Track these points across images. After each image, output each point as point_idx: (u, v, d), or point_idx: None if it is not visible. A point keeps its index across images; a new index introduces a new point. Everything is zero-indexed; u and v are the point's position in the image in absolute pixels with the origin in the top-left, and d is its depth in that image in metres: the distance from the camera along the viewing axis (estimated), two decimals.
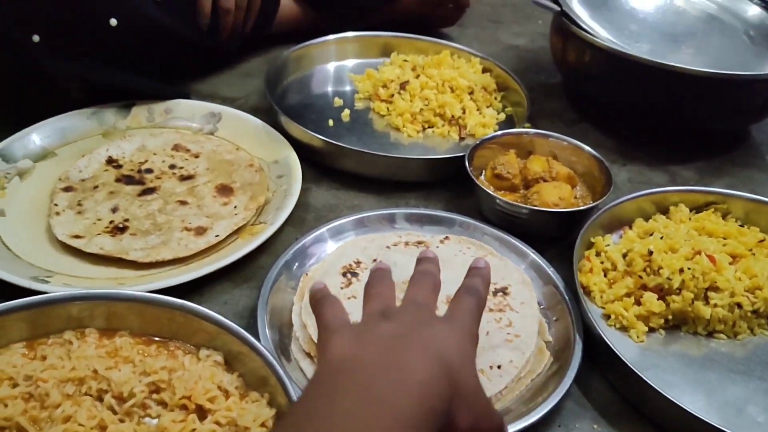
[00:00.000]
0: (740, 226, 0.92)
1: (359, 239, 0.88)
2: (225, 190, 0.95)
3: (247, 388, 0.69)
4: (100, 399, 0.66)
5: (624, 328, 0.80)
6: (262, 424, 0.65)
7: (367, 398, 0.44)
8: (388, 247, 0.85)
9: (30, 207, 0.92)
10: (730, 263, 0.82)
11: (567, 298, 0.80)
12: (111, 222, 0.89)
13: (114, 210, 0.90)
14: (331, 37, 1.25)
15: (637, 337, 0.79)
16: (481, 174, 0.99)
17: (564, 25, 1.12)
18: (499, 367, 0.71)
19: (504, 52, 1.38)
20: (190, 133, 1.07)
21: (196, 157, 1.01)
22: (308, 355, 0.74)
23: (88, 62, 1.01)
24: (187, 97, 1.12)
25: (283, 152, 1.01)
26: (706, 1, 1.24)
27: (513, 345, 0.73)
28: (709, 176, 1.08)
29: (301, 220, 0.94)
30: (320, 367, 0.50)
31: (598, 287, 0.83)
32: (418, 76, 1.16)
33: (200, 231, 0.88)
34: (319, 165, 1.02)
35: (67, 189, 0.93)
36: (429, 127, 1.12)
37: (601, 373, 0.76)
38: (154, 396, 0.67)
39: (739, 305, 0.79)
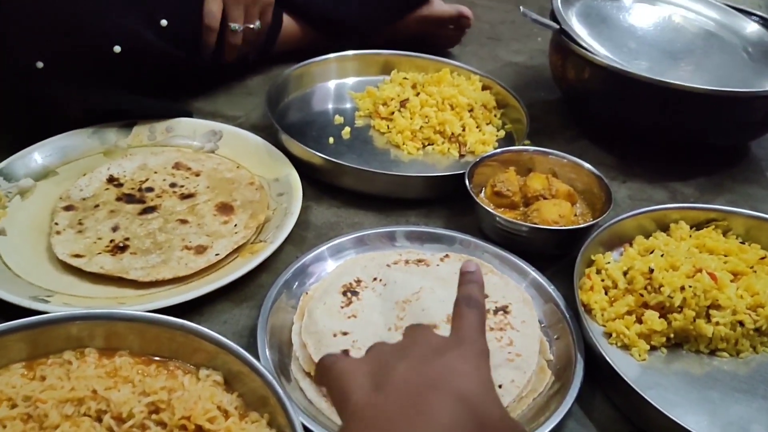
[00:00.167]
0: (741, 243, 0.91)
1: (359, 258, 0.88)
2: (225, 208, 0.95)
3: (246, 408, 0.69)
4: (99, 419, 0.66)
5: (625, 347, 0.80)
6: None
7: None
8: (388, 265, 0.85)
9: (31, 226, 0.92)
10: (732, 281, 0.82)
11: (568, 316, 0.80)
12: (111, 241, 0.89)
13: (114, 229, 0.91)
14: (331, 55, 1.25)
15: (639, 355, 0.79)
16: (481, 191, 0.99)
17: (563, 42, 1.13)
18: (500, 386, 0.71)
19: (503, 70, 1.39)
20: (191, 152, 1.07)
21: (197, 175, 1.01)
22: (308, 374, 0.73)
23: (91, 87, 1.02)
24: (189, 115, 1.13)
25: (284, 170, 1.01)
26: (705, 18, 1.25)
27: (514, 364, 0.73)
28: (709, 193, 1.08)
29: (301, 239, 0.94)
30: (343, 420, 0.49)
31: (599, 305, 0.83)
32: (418, 94, 1.17)
33: (200, 250, 0.88)
34: (319, 183, 1.02)
35: (67, 208, 0.93)
36: (429, 145, 1.12)
37: (603, 392, 0.76)
38: (154, 416, 0.66)
39: (741, 323, 0.79)
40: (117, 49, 1.00)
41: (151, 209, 0.94)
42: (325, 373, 0.53)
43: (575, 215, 0.94)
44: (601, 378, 0.76)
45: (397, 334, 0.76)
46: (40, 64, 0.96)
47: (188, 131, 1.10)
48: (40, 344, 0.71)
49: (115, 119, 1.08)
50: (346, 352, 0.72)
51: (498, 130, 1.16)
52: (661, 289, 0.80)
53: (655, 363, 0.79)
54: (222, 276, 0.84)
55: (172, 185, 0.99)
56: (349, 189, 1.01)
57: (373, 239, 0.90)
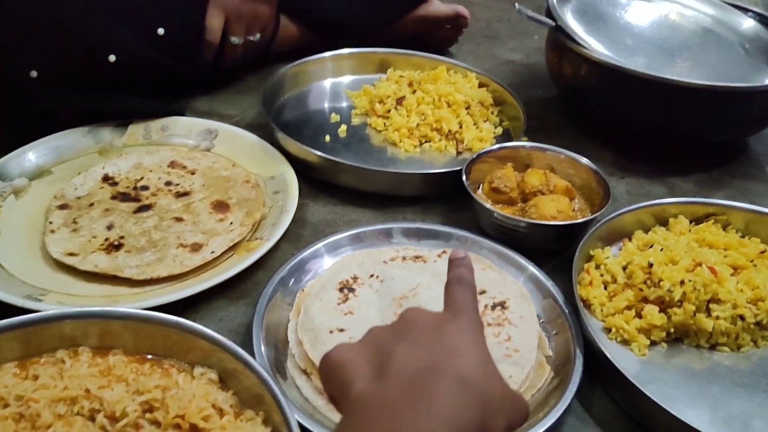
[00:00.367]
0: (741, 237, 0.91)
1: (356, 254, 0.87)
2: (221, 206, 0.94)
3: (242, 406, 0.68)
4: (92, 419, 0.65)
5: (625, 342, 0.79)
6: None
7: None
8: (385, 262, 0.84)
9: (25, 225, 0.91)
10: (732, 275, 0.81)
11: (567, 311, 0.79)
12: (106, 239, 0.88)
13: (109, 227, 0.90)
14: (327, 53, 1.25)
15: (639, 350, 0.78)
16: (478, 188, 0.98)
17: (559, 39, 1.12)
18: None
19: (500, 68, 1.38)
20: (187, 150, 1.06)
21: (192, 173, 1.00)
22: (304, 371, 0.72)
23: (85, 94, 1.03)
24: (183, 113, 1.12)
25: (280, 168, 1.00)
26: (701, 14, 1.24)
27: (512, 360, 0.72)
28: (708, 188, 1.07)
29: (297, 236, 0.93)
30: (345, 411, 0.48)
31: (598, 300, 0.82)
32: (414, 92, 1.16)
33: (196, 247, 0.87)
34: (315, 181, 1.01)
35: (62, 207, 0.93)
36: (426, 142, 1.11)
37: (603, 388, 0.75)
38: (148, 415, 0.65)
39: (742, 317, 0.78)
40: (112, 58, 1.00)
41: (147, 207, 0.93)
42: (323, 364, 0.51)
43: (573, 210, 0.94)
44: (600, 373, 0.75)
45: None
46: (34, 74, 0.96)
47: (183, 130, 1.09)
48: (33, 343, 0.71)
49: (110, 119, 1.08)
50: None
51: (495, 128, 1.15)
52: (661, 283, 0.79)
53: (655, 358, 0.78)
54: (218, 274, 0.83)
55: (168, 183, 0.98)
56: (346, 186, 1.00)
57: (369, 236, 0.89)
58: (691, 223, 0.92)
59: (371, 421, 0.45)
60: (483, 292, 0.80)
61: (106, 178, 0.98)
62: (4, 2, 0.94)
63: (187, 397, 0.66)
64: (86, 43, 0.99)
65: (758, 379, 0.77)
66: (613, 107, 1.11)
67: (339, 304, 0.78)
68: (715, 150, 1.16)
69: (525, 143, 1.02)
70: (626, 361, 0.77)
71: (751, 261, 0.85)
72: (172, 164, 1.02)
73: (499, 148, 1.01)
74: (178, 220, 0.91)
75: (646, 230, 0.92)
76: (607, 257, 0.87)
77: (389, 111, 1.14)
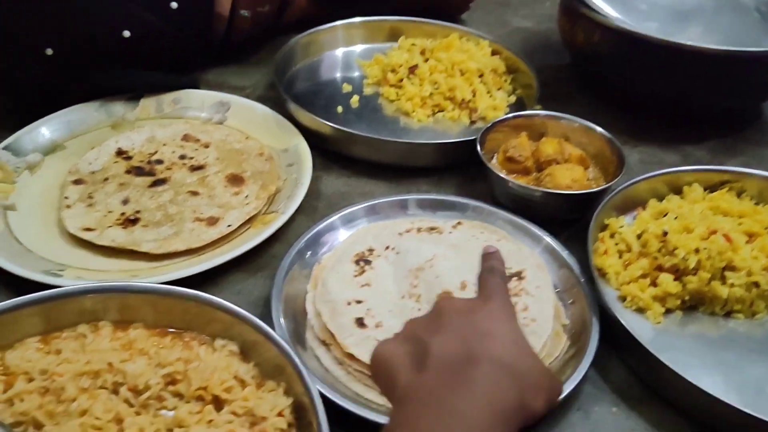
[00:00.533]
0: (755, 204, 0.90)
1: (371, 226, 0.87)
2: (236, 179, 0.95)
3: (263, 377, 0.69)
4: (116, 392, 0.66)
5: (640, 310, 0.80)
6: (279, 414, 0.64)
7: (443, 425, 0.47)
8: (400, 233, 0.85)
9: (41, 200, 0.92)
10: (747, 242, 0.81)
11: (582, 281, 0.80)
12: (122, 214, 0.88)
13: (125, 202, 0.90)
14: (338, 22, 1.24)
15: (654, 318, 0.79)
16: (492, 158, 0.98)
17: (572, 5, 1.11)
18: None
19: (512, 35, 1.37)
20: (200, 123, 1.06)
21: (206, 147, 1.00)
22: (323, 342, 0.73)
23: (100, 70, 1.03)
24: (195, 86, 1.12)
25: (293, 140, 1.00)
26: None
27: (530, 329, 0.73)
28: (722, 155, 1.07)
29: (312, 208, 0.93)
30: (394, 402, 0.52)
31: (614, 269, 0.83)
32: (426, 60, 1.15)
33: (212, 221, 0.88)
34: (329, 152, 1.01)
35: (77, 182, 0.93)
36: (439, 111, 1.11)
37: (619, 356, 0.76)
38: (170, 388, 0.67)
39: (757, 284, 0.78)
40: (126, 33, 1.00)
41: (162, 182, 0.94)
42: (372, 362, 0.56)
43: (588, 179, 0.93)
44: (616, 341, 0.75)
45: (410, 302, 0.76)
46: (49, 51, 0.96)
47: (196, 103, 1.09)
48: (54, 318, 0.71)
49: (124, 93, 1.08)
50: (360, 320, 0.72)
51: (509, 96, 1.14)
52: (676, 251, 0.79)
53: (670, 326, 0.79)
54: (235, 247, 0.84)
55: (182, 157, 0.98)
56: (359, 158, 1.00)
57: (384, 208, 0.89)
58: (705, 191, 0.92)
59: (418, 409, 0.48)
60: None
61: (120, 152, 0.98)
62: None
63: (209, 369, 0.67)
64: (100, 20, 0.99)
65: None
66: (627, 74, 1.10)
67: (356, 276, 0.78)
68: (729, 117, 1.15)
69: (539, 111, 1.01)
70: (641, 329, 0.77)
71: (766, 228, 0.84)
72: (186, 137, 1.02)
73: (514, 117, 1.00)
74: (194, 194, 0.92)
75: (661, 199, 0.92)
76: (622, 226, 0.87)
77: (401, 80, 1.13)
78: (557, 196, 0.88)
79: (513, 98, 1.14)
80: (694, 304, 0.81)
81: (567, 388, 0.68)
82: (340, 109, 1.10)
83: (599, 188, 0.89)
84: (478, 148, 0.93)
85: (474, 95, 1.11)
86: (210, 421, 0.64)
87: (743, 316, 0.80)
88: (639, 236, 0.84)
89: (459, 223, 0.87)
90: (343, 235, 0.86)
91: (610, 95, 1.17)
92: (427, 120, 1.09)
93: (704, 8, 1.17)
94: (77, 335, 0.72)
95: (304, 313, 0.76)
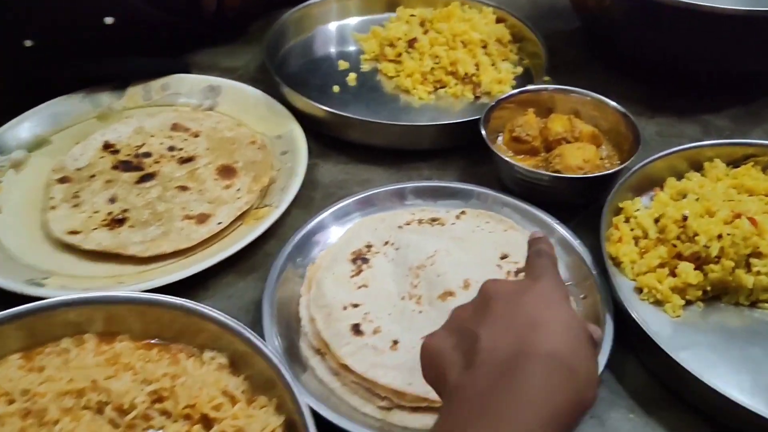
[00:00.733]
0: None
1: (368, 220, 0.82)
2: (227, 171, 0.90)
3: (254, 391, 0.65)
4: (101, 411, 0.62)
5: (658, 303, 0.74)
6: None
7: (494, 427, 0.44)
8: (400, 226, 0.80)
9: (26, 201, 0.88)
10: None
11: (595, 273, 0.74)
12: (109, 213, 0.84)
13: (112, 200, 0.86)
14: None
15: (673, 311, 0.73)
16: (498, 138, 0.92)
17: None
18: None
19: (516, 0, 1.29)
20: (189, 110, 1.01)
21: (196, 136, 0.95)
22: (318, 351, 0.69)
23: (84, 60, 0.98)
24: (186, 70, 1.06)
25: (287, 126, 0.95)
26: None
27: None
28: (745, 123, 1.00)
29: (308, 200, 0.88)
30: (444, 399, 0.50)
31: (629, 258, 0.77)
32: (426, 32, 1.09)
33: (202, 219, 0.83)
34: (325, 137, 0.96)
35: (62, 180, 0.89)
36: (441, 87, 1.04)
37: (636, 356, 0.71)
38: (157, 405, 0.63)
39: None
40: (109, 20, 0.95)
41: (149, 176, 0.89)
42: (422, 354, 0.53)
43: (601, 159, 0.87)
44: (632, 340, 0.70)
45: (411, 303, 0.71)
46: (28, 43, 0.92)
47: (185, 88, 1.04)
48: (37, 332, 0.68)
49: (112, 82, 1.03)
50: (357, 327, 0.68)
51: (515, 67, 1.08)
52: (696, 238, 0.74)
53: (690, 319, 0.73)
54: (226, 246, 0.79)
55: (171, 149, 0.93)
56: (357, 142, 0.95)
57: (382, 198, 0.84)
58: (728, 166, 0.86)
59: (466, 414, 0.45)
60: (505, 256, 0.75)
61: (106, 146, 0.94)
62: None
63: (197, 384, 0.63)
64: (81, 8, 0.94)
65: None
66: (641, 38, 1.02)
67: (352, 276, 0.74)
68: (751, 82, 1.07)
69: (547, 86, 0.95)
70: (659, 323, 0.72)
71: None
72: (175, 127, 0.97)
73: (519, 92, 0.94)
74: (183, 189, 0.87)
75: (680, 176, 0.86)
76: (638, 209, 0.81)
77: (400, 55, 1.07)
78: (567, 180, 0.82)
79: (519, 69, 1.08)
80: (716, 295, 0.75)
81: None
82: (336, 88, 1.04)
83: (613, 170, 0.82)
84: (482, 129, 0.87)
85: (477, 68, 1.04)
86: None
87: None
88: (656, 221, 0.79)
89: (463, 212, 0.82)
90: (338, 231, 0.81)
91: (623, 62, 1.09)
92: (428, 97, 1.03)
93: None
94: (60, 350, 0.68)
95: (298, 318, 0.72)
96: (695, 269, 0.74)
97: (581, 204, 0.85)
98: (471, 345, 0.48)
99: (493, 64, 1.06)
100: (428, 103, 1.02)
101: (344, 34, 1.16)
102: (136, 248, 0.80)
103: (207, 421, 0.62)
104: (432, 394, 0.59)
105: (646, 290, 0.75)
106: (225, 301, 0.77)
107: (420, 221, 0.80)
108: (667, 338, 0.69)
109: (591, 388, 0.48)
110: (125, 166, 0.91)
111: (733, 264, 0.72)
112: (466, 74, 1.04)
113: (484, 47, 1.07)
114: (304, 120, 0.95)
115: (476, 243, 0.76)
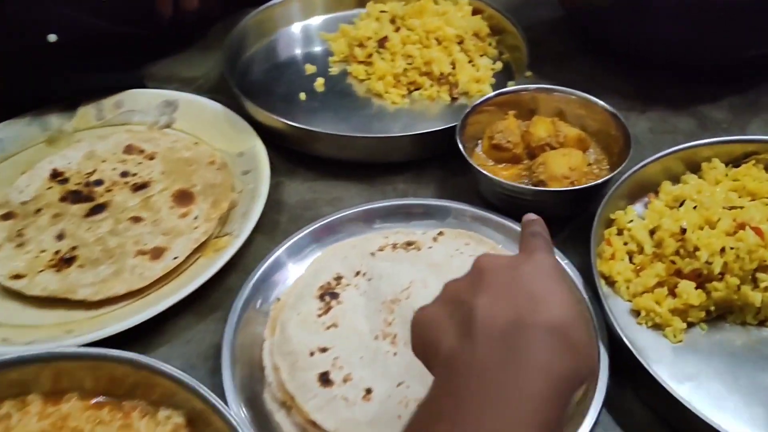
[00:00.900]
0: None
1: (339, 246, 0.75)
2: (183, 197, 0.83)
3: None
4: None
5: (657, 326, 0.68)
6: None
7: (494, 397, 0.42)
8: (372, 253, 0.73)
9: None
10: None
11: (587, 296, 0.67)
12: (56, 253, 0.77)
13: (60, 237, 0.79)
14: None
15: (674, 336, 0.67)
16: (476, 145, 0.85)
17: None
18: None
19: None
20: (144, 130, 0.94)
21: (151, 158, 0.88)
22: (283, 404, 0.62)
23: (28, 81, 0.93)
24: (141, 84, 0.99)
25: (249, 142, 0.88)
26: None
27: None
28: (744, 114, 0.92)
29: (273, 224, 0.81)
30: (436, 372, 0.48)
31: (623, 276, 0.71)
32: (398, 29, 1.01)
33: (157, 253, 0.76)
34: (290, 152, 0.89)
35: (6, 216, 0.82)
36: (416, 89, 0.97)
37: (634, 390, 0.64)
38: None
39: None
40: (52, 38, 0.89)
41: (100, 207, 0.82)
42: (412, 328, 0.51)
43: (589, 164, 0.80)
44: (628, 372, 0.63)
45: (384, 344, 0.64)
46: None
47: (140, 104, 0.96)
48: None
49: (57, 101, 0.95)
50: (325, 375, 0.62)
51: (494, 62, 1.00)
52: (697, 253, 0.67)
53: (693, 343, 0.67)
54: (183, 284, 0.73)
55: (123, 174, 0.86)
56: (325, 157, 0.87)
57: (352, 221, 0.77)
58: (727, 165, 0.79)
59: (466, 383, 0.44)
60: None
61: (54, 175, 0.87)
62: None
63: None
64: (19, 27, 0.88)
65: None
66: (630, 27, 0.94)
67: (320, 315, 0.67)
68: (748, 69, 0.99)
69: (528, 86, 0.87)
70: (659, 351, 0.66)
71: None
72: (129, 149, 0.90)
73: (498, 94, 0.86)
74: (136, 220, 0.80)
75: (675, 180, 0.79)
76: (631, 220, 0.74)
77: (371, 56, 1.00)
78: (552, 193, 0.75)
79: (499, 65, 1.00)
80: (721, 314, 0.68)
81: None
82: (303, 95, 0.96)
83: (601, 180, 0.75)
84: (458, 140, 0.79)
85: (454, 67, 0.97)
86: None
87: None
88: (652, 233, 0.72)
89: (440, 233, 0.75)
90: (306, 261, 0.74)
91: (611, 52, 1.01)
92: (402, 101, 0.95)
93: None
94: (1, 416, 0.62)
95: (262, 366, 0.65)
96: (697, 288, 0.67)
97: (568, 216, 0.78)
98: (467, 315, 0.46)
99: (470, 61, 0.99)
100: (402, 108, 0.95)
101: (310, 34, 1.09)
102: (86, 291, 0.73)
103: None
104: None
105: (643, 313, 0.68)
106: (183, 346, 0.70)
107: (394, 246, 0.73)
108: (668, 368, 0.63)
109: (590, 358, 0.47)
110: (75, 197, 0.84)
111: (738, 281, 0.66)
112: (441, 74, 0.96)
113: (460, 43, 1.00)
114: (267, 135, 0.88)
115: (455, 270, 0.68)
